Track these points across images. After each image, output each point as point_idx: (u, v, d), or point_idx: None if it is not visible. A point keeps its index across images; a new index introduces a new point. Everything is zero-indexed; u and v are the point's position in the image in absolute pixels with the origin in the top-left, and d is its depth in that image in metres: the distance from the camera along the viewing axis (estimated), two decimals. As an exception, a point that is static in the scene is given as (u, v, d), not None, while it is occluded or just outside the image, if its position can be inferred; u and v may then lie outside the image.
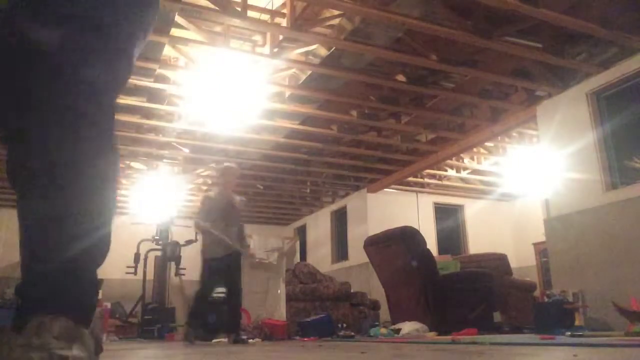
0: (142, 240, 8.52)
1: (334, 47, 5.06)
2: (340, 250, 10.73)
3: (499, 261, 7.39)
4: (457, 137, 7.54)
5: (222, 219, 4.99)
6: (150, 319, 7.59)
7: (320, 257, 10.94)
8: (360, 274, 8.95)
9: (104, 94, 0.90)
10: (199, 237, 8.84)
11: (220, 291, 5.33)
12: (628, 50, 5.18)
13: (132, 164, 8.53)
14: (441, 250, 9.62)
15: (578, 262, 5.50)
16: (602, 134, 5.49)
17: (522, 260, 10.04)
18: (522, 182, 8.97)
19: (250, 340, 5.11)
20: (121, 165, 8.49)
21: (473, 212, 10.70)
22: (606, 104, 5.58)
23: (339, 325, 6.07)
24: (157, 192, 9.13)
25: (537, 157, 7.11)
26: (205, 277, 5.03)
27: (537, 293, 7.41)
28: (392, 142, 7.80)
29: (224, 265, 4.92)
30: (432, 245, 8.32)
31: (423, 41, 5.17)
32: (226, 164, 5.53)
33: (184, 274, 8.62)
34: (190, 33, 4.92)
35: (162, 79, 5.67)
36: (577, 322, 4.90)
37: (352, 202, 10.38)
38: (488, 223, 10.58)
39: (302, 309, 6.57)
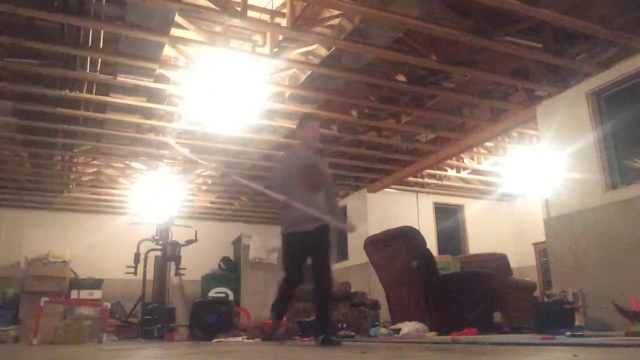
0: (142, 240, 8.52)
1: (334, 47, 5.06)
2: (340, 250, 10.72)
3: (499, 261, 7.38)
4: (457, 137, 7.54)
5: (300, 183, 3.93)
6: (150, 319, 7.58)
7: (320, 257, 10.90)
8: (360, 274, 8.94)
9: None
10: (196, 236, 8.78)
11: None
12: (628, 50, 5.18)
13: (132, 164, 8.53)
14: (441, 251, 9.61)
15: (578, 262, 5.50)
16: (602, 134, 5.48)
17: (522, 260, 10.03)
18: (522, 182, 8.97)
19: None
20: (121, 165, 8.49)
21: (473, 212, 10.68)
22: (606, 104, 5.58)
23: (339, 325, 6.07)
24: (157, 192, 9.12)
25: (537, 157, 7.11)
26: (286, 258, 4.06)
27: (537, 293, 7.40)
28: (392, 142, 7.79)
29: (306, 243, 3.91)
30: (432, 245, 8.32)
31: (423, 41, 5.17)
32: (306, 114, 4.31)
33: (184, 274, 8.62)
34: (190, 33, 4.92)
35: (162, 79, 5.67)
36: (577, 322, 4.89)
37: (352, 202, 10.37)
38: (488, 223, 10.57)
39: (302, 309, 6.56)
